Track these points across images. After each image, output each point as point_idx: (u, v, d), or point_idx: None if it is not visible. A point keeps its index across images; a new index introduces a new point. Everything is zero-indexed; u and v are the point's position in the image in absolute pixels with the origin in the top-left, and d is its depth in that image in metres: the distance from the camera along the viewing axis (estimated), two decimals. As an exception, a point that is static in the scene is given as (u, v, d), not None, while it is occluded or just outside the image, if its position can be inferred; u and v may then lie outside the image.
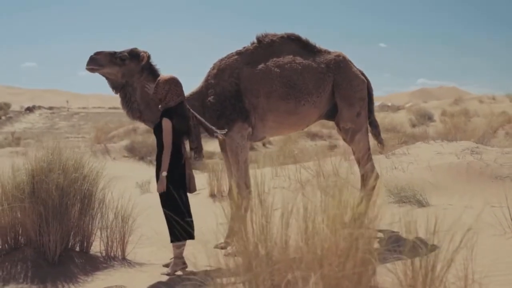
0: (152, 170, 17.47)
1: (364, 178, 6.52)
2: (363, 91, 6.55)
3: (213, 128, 5.86)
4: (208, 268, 5.62)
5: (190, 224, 5.57)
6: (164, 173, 5.39)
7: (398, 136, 17.83)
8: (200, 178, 11.61)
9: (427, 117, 31.16)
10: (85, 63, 5.97)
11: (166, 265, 5.73)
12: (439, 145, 11.68)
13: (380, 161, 10.18)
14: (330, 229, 3.25)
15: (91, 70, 6.00)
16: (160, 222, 7.14)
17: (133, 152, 18.70)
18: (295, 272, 3.21)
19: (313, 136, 34.07)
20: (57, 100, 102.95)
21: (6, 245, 5.91)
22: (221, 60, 6.35)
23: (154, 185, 12.12)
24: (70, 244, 6.01)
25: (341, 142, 24.86)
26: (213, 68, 6.35)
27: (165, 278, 5.39)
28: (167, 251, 6.30)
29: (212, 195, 9.99)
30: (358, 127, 6.44)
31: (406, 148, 11.32)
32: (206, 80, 6.31)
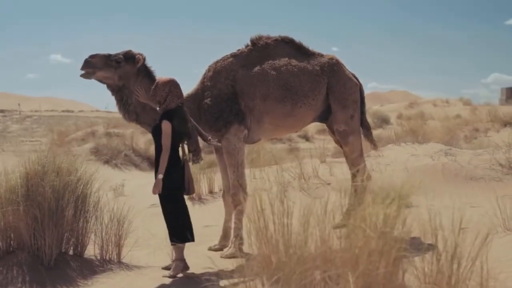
0: (119, 174, 17.26)
1: (356, 179, 6.62)
2: (356, 94, 6.67)
3: (207, 135, 5.89)
4: (210, 269, 5.67)
5: (190, 226, 5.58)
6: (160, 176, 5.37)
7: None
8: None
9: (383, 120, 31.70)
10: (80, 67, 5.94)
11: (166, 268, 5.72)
12: (410, 147, 11.97)
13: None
14: (363, 229, 3.31)
15: (87, 74, 5.96)
16: (152, 225, 7.15)
17: (98, 155, 18.42)
18: (329, 271, 3.27)
19: (272, 139, 34.21)
20: (7, 103, 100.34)
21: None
22: (217, 62, 6.37)
23: (128, 188, 12.01)
24: (64, 247, 5.94)
25: (302, 145, 25.26)
26: (209, 70, 6.36)
27: (167, 281, 5.38)
28: (162, 254, 6.30)
29: (191, 198, 9.94)
30: (351, 129, 6.56)
31: (381, 150, 11.51)
32: (202, 82, 6.32)
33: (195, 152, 5.79)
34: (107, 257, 6.05)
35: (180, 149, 5.65)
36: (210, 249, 6.48)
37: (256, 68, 6.26)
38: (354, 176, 6.89)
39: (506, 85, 66.09)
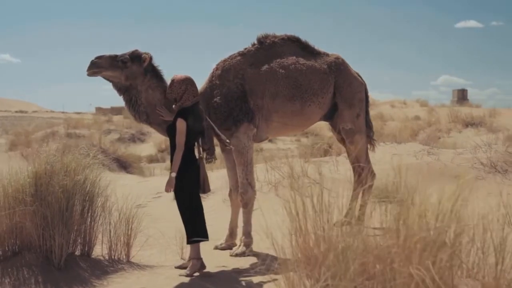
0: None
1: (362, 177, 6.72)
2: (362, 93, 6.78)
3: (225, 137, 5.92)
4: (225, 268, 5.67)
5: (205, 225, 5.57)
6: (173, 174, 5.35)
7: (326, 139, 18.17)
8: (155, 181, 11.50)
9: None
10: (86, 68, 5.89)
11: (179, 267, 5.69)
12: (389, 147, 12.19)
13: (343, 162, 10.50)
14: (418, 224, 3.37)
15: (93, 73, 5.89)
16: (154, 224, 7.07)
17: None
18: (390, 265, 3.31)
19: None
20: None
21: (5, 250, 5.68)
22: (225, 60, 6.37)
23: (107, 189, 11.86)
24: (71, 247, 5.84)
25: (265, 146, 25.41)
26: (217, 68, 6.35)
27: (185, 280, 5.34)
28: (169, 253, 6.28)
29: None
30: (357, 127, 6.66)
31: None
32: (210, 80, 6.31)
33: (209, 151, 5.78)
34: (115, 257, 5.98)
35: (195, 147, 5.64)
36: (216, 247, 6.47)
37: (265, 67, 6.28)
38: (356, 173, 6.99)
39: (454, 87, 67.90)
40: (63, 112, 51.48)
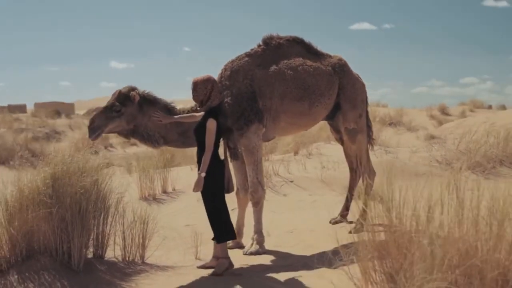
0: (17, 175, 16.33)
1: (362, 176, 6.97)
2: (364, 94, 7.03)
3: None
4: (245, 266, 5.72)
5: (231, 224, 5.62)
6: (203, 174, 5.36)
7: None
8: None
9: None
10: (88, 136, 5.96)
11: (201, 267, 5.71)
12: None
13: (305, 161, 10.76)
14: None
15: (97, 137, 5.93)
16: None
17: (-6, 155, 17.32)
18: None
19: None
20: None
21: (18, 254, 5.44)
22: (233, 61, 6.41)
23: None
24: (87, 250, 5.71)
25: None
26: (225, 69, 6.37)
27: (215, 279, 5.35)
28: (181, 253, 6.28)
29: (145, 199, 9.73)
30: (360, 127, 6.89)
31: (316, 149, 12.01)
32: (219, 81, 6.32)
33: (234, 150, 5.81)
34: (129, 259, 5.90)
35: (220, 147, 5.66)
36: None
37: (273, 68, 6.38)
38: (353, 172, 7.24)
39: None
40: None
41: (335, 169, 10.13)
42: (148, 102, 6.11)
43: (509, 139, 10.87)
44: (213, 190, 5.45)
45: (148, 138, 6.15)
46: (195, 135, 5.59)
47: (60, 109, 43.65)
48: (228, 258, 5.52)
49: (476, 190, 3.92)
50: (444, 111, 34.48)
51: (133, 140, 6.37)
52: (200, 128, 5.49)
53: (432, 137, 19.15)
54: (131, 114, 6.01)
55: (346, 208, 7.22)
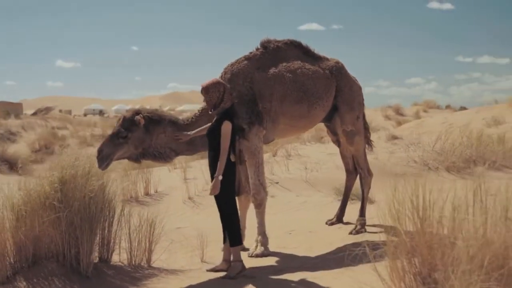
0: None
1: (361, 177, 7.07)
2: (361, 96, 7.13)
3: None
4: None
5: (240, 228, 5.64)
6: (220, 177, 5.35)
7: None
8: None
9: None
10: (97, 166, 5.79)
11: (211, 270, 5.69)
12: (317, 146, 12.74)
13: (287, 162, 10.83)
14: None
15: (107, 166, 5.84)
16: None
17: None
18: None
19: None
20: None
21: (23, 260, 5.32)
22: (232, 64, 6.41)
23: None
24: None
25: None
26: (225, 73, 6.37)
27: (229, 282, 5.35)
28: (186, 256, 6.26)
29: (127, 200, 9.61)
30: (357, 129, 6.98)
31: (293, 150, 12.09)
32: None
33: (240, 153, 5.82)
34: (135, 263, 5.84)
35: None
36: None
37: (272, 71, 6.41)
38: (348, 172, 7.35)
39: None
40: None
41: (317, 170, 10.25)
42: (154, 122, 6.08)
43: (481, 139, 11.22)
44: (227, 192, 5.44)
45: (160, 156, 6.16)
46: (208, 138, 5.56)
47: (9, 109, 42.59)
48: (241, 261, 5.52)
49: (505, 192, 3.99)
50: (399, 111, 35.27)
51: (147, 159, 6.31)
52: (214, 131, 5.47)
53: (394, 137, 19.51)
54: (138, 138, 5.98)
55: (342, 209, 7.31)
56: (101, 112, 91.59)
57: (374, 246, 4.27)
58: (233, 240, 5.49)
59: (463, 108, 36.68)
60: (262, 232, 6.30)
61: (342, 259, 5.56)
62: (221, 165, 5.36)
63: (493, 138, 11.96)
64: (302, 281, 5.21)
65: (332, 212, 7.75)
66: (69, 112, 75.01)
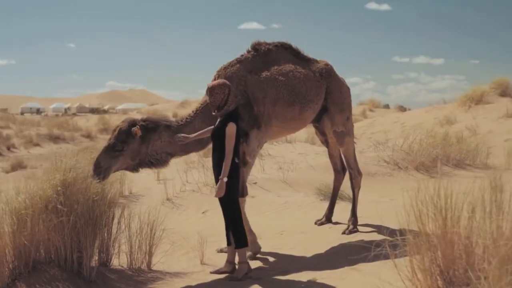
0: None
1: (351, 177, 7.16)
2: (350, 97, 7.21)
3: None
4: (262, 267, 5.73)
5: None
6: (225, 179, 5.34)
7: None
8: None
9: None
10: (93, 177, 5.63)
11: (215, 272, 5.66)
12: (285, 146, 12.81)
13: (262, 163, 10.85)
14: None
15: (105, 177, 5.72)
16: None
17: None
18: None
19: (55, 139, 32.65)
20: None
21: (23, 266, 5.17)
22: (225, 68, 6.39)
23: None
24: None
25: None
26: (219, 76, 6.32)
27: (236, 284, 5.34)
28: (184, 258, 6.20)
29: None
30: (347, 130, 7.06)
31: (264, 150, 12.10)
32: None
33: (245, 154, 5.81)
34: (135, 266, 5.76)
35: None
36: (221, 251, 6.44)
37: (264, 74, 6.43)
38: (337, 172, 7.44)
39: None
40: None
41: (293, 170, 10.32)
42: (149, 130, 5.97)
43: (447, 139, 11.55)
44: (232, 194, 5.43)
45: (157, 163, 6.09)
46: (212, 140, 5.53)
47: None
48: (247, 262, 5.52)
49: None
50: (345, 110, 35.77)
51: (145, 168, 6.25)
52: (219, 133, 5.44)
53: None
54: (134, 150, 5.89)
55: (331, 209, 7.39)
56: (38, 111, 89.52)
57: (393, 246, 4.32)
58: (239, 241, 5.47)
59: (401, 107, 37.80)
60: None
61: (344, 259, 5.65)
62: (226, 166, 5.35)
63: (451, 137, 12.31)
64: (310, 282, 5.24)
65: (316, 213, 7.83)
66: (5, 110, 72.78)
